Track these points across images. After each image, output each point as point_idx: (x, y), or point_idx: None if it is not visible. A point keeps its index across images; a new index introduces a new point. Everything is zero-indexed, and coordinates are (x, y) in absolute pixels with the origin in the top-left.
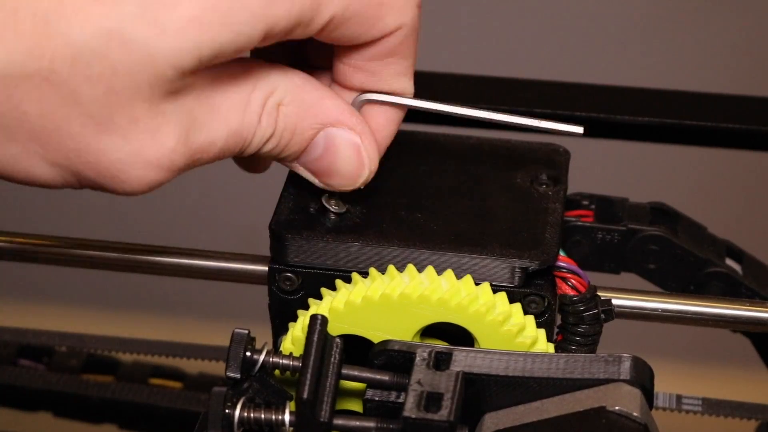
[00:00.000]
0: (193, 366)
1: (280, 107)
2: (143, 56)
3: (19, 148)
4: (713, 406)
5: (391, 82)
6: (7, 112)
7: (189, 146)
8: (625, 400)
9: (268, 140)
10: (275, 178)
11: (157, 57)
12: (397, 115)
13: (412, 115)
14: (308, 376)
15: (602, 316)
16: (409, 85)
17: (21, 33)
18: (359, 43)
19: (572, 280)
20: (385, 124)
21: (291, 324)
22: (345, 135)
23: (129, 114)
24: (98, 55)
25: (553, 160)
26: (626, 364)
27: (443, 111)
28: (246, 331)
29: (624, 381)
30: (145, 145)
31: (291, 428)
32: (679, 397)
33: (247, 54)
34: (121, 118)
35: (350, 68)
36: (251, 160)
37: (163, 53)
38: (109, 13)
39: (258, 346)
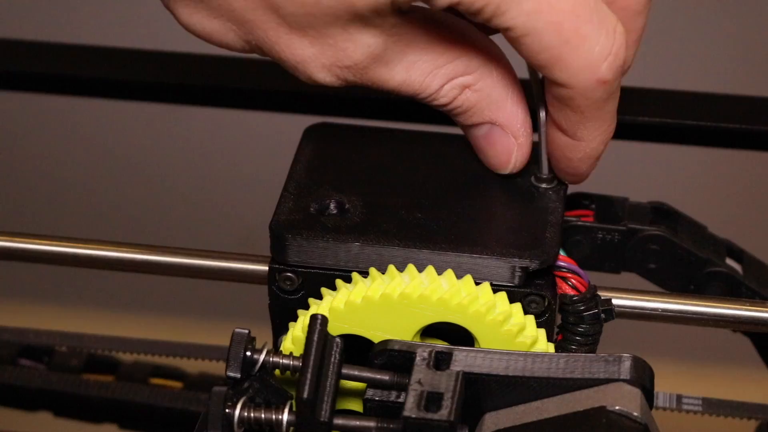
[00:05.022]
0: (193, 366)
1: (466, 89)
2: None
3: (219, 24)
4: (713, 406)
5: (558, 118)
6: (211, 7)
7: (364, 72)
8: (625, 400)
9: (440, 105)
10: (275, 178)
11: None
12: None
13: (412, 114)
14: (308, 375)
15: (602, 315)
16: (578, 134)
17: None
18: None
19: (572, 280)
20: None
21: (291, 324)
22: (505, 138)
23: (323, 30)
24: None
25: None
26: (626, 364)
27: None
28: (246, 331)
29: (624, 381)
30: (326, 53)
31: (291, 428)
32: (679, 397)
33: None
34: (314, 31)
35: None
36: None
37: None
38: None
39: (258, 345)
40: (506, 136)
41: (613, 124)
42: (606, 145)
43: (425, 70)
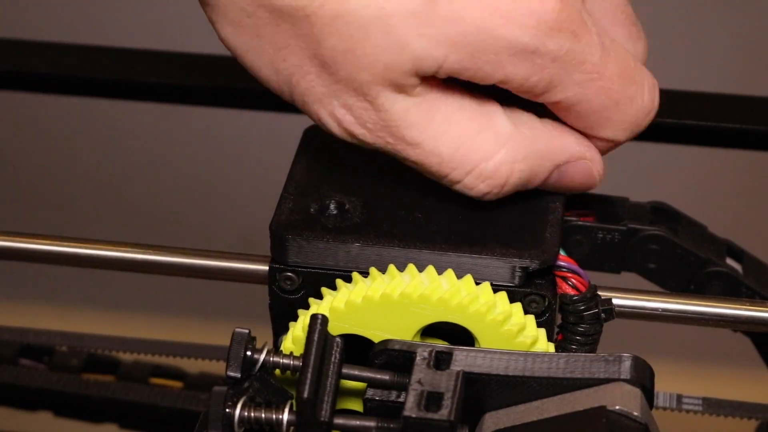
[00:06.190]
0: (193, 365)
1: (514, 164)
2: (396, 42)
3: (257, 44)
4: (713, 406)
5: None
6: (254, 27)
7: (380, 136)
8: (625, 400)
9: (492, 186)
10: (275, 178)
11: (407, 48)
12: None
13: None
14: (308, 375)
15: (602, 315)
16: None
17: None
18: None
19: (572, 280)
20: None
21: (291, 323)
22: (577, 166)
23: (351, 75)
24: (357, 22)
25: None
26: (626, 364)
27: None
28: (246, 331)
29: (624, 380)
30: (341, 100)
31: (291, 428)
32: (679, 397)
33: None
34: (343, 71)
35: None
36: None
37: (414, 48)
38: (391, 3)
39: (258, 345)
40: (575, 164)
41: None
42: None
43: (459, 141)
